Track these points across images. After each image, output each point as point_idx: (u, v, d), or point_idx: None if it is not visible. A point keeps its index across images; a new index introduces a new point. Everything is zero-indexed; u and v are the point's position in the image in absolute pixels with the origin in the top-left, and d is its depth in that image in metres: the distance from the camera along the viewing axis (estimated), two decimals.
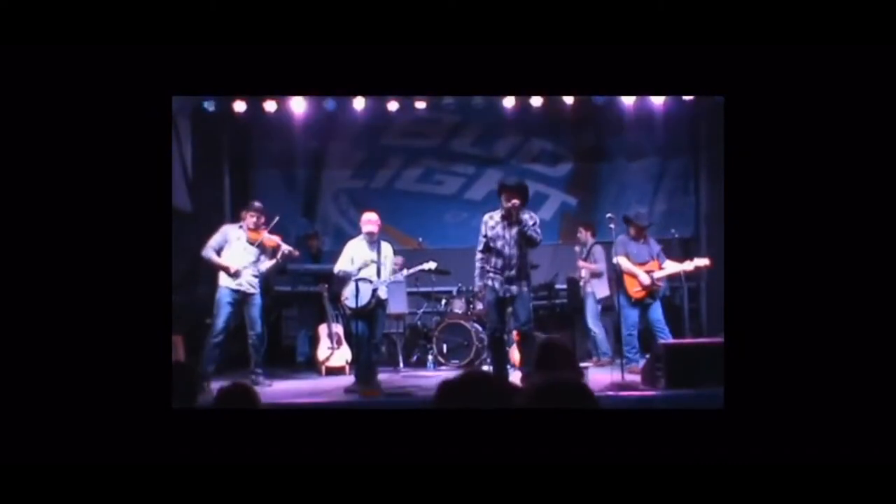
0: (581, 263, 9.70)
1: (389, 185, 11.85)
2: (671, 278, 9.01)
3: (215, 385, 7.83)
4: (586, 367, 8.11)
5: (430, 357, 10.08)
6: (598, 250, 9.68)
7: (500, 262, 7.37)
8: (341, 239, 9.65)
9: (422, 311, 10.68)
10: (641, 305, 8.69)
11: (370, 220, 8.02)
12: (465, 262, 8.29)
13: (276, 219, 8.42)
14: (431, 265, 8.22)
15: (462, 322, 9.94)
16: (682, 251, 10.07)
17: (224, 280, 8.13)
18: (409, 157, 11.84)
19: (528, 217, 7.34)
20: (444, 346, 9.91)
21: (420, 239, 10.54)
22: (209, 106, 10.01)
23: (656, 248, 8.93)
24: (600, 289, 9.67)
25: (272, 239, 8.27)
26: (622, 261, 8.63)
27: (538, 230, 7.38)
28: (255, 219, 8.26)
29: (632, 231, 8.88)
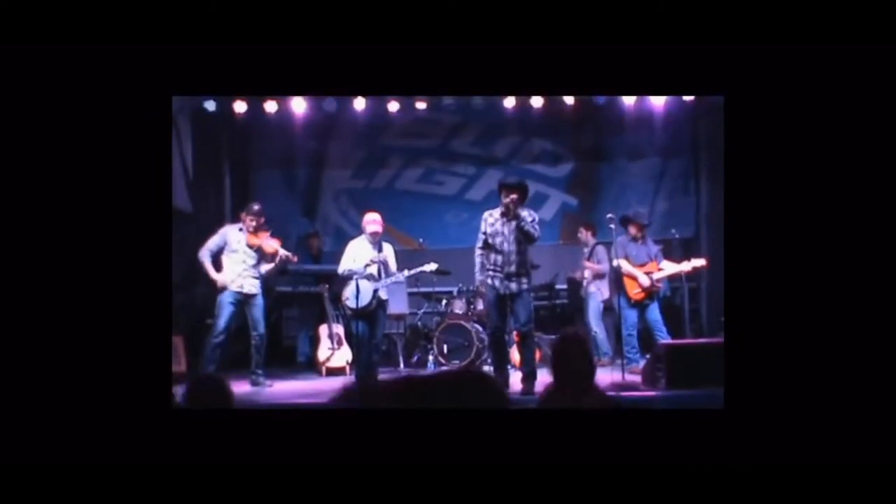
0: (586, 264, 9.70)
1: (390, 185, 11.85)
2: (672, 279, 9.01)
3: None
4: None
5: (430, 357, 10.07)
6: (601, 251, 9.68)
7: (499, 259, 7.39)
8: (342, 239, 9.66)
9: (422, 311, 10.67)
10: (640, 306, 8.70)
11: (374, 221, 8.02)
12: (466, 262, 8.29)
13: (270, 232, 8.41)
14: (432, 266, 8.22)
15: (462, 322, 9.93)
16: (682, 251, 10.07)
17: (225, 282, 8.12)
18: (410, 157, 11.85)
19: (526, 214, 7.37)
20: (445, 347, 9.90)
21: (420, 239, 10.53)
22: (210, 106, 10.02)
23: (654, 248, 8.93)
24: (603, 289, 9.68)
25: (272, 245, 8.26)
26: (623, 263, 8.63)
27: (536, 226, 7.40)
28: (254, 221, 8.24)
29: (632, 231, 8.88)
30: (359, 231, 8.25)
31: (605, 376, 7.95)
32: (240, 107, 10.13)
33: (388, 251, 8.12)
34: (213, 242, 8.20)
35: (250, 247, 8.16)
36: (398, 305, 9.87)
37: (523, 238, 7.36)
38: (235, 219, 8.80)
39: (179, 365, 8.87)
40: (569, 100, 10.18)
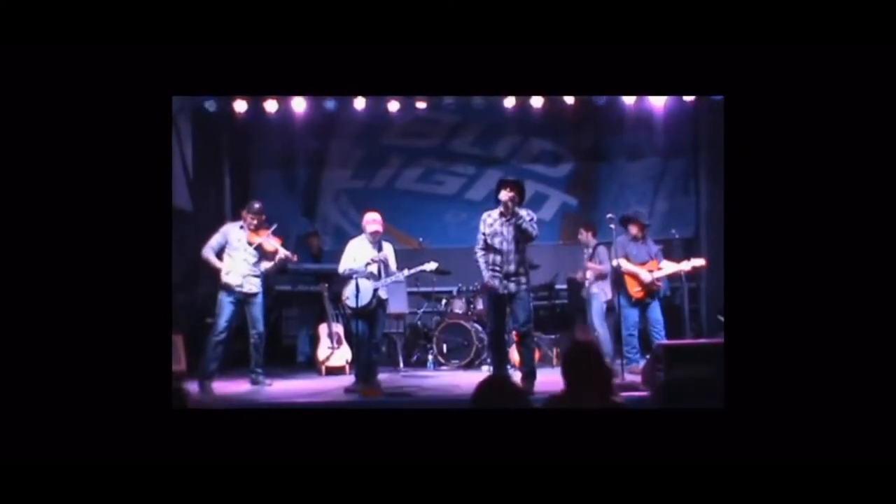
0: (589, 265, 9.69)
1: (389, 184, 11.84)
2: (671, 279, 9.00)
3: (216, 384, 7.94)
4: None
5: (430, 357, 10.08)
6: (603, 251, 9.66)
7: (498, 258, 7.40)
8: (341, 239, 9.65)
9: (422, 310, 10.68)
10: (641, 305, 8.69)
11: (375, 220, 8.00)
12: (466, 262, 8.29)
13: (275, 226, 8.40)
14: (432, 266, 8.21)
15: (462, 322, 9.94)
16: (682, 252, 10.06)
17: (224, 281, 8.12)
18: (410, 156, 11.84)
19: (524, 212, 7.39)
20: (445, 346, 9.91)
21: (420, 239, 10.52)
22: (210, 106, 10.00)
23: (654, 248, 8.92)
24: (606, 290, 9.67)
25: (272, 243, 8.25)
26: (622, 262, 8.63)
27: (534, 225, 7.42)
28: (255, 220, 8.25)
29: (632, 230, 8.86)
30: (359, 231, 8.24)
31: None
32: (240, 106, 10.12)
33: (388, 250, 8.11)
34: (214, 240, 8.20)
35: (250, 244, 8.16)
36: (398, 305, 9.86)
37: (522, 236, 7.37)
38: (235, 218, 8.79)
39: (180, 364, 8.87)
40: (569, 100, 10.16)
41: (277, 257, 8.27)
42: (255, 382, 8.25)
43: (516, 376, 7.69)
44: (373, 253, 7.93)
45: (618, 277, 8.74)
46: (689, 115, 10.92)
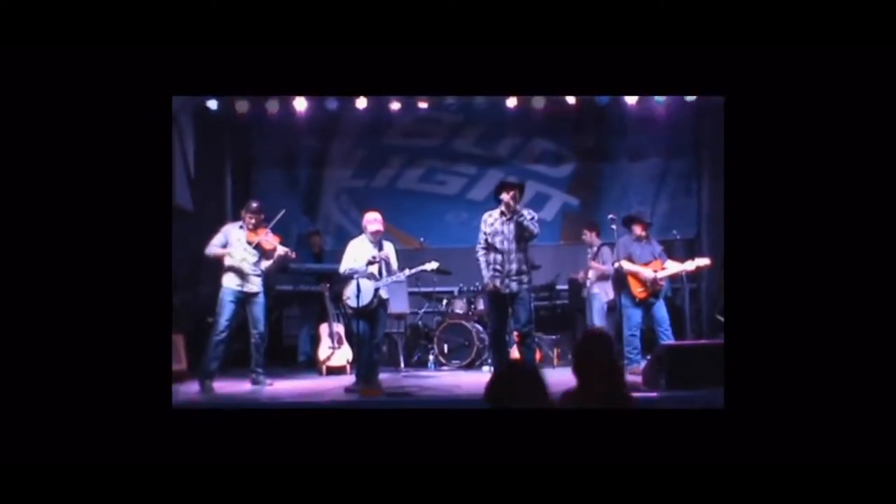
0: (593, 264, 9.69)
1: (391, 184, 11.84)
2: (673, 279, 8.98)
3: (217, 384, 7.94)
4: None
5: (431, 357, 10.08)
6: (606, 252, 9.66)
7: (499, 258, 7.41)
8: (343, 238, 9.64)
9: (423, 311, 10.67)
10: (645, 305, 8.65)
11: (375, 220, 7.99)
12: (467, 262, 8.29)
13: (283, 212, 8.41)
14: (433, 265, 8.21)
15: (463, 322, 9.94)
16: (683, 252, 10.05)
17: (227, 279, 8.13)
18: (411, 156, 11.84)
19: (526, 211, 7.41)
20: (445, 347, 9.91)
21: (422, 239, 10.52)
22: (212, 105, 10.01)
23: (658, 248, 8.88)
24: (607, 291, 9.66)
25: (270, 241, 8.25)
26: (624, 263, 8.61)
27: (536, 223, 7.43)
28: (253, 219, 8.25)
29: (636, 230, 8.82)
30: (360, 230, 8.23)
31: None
32: (242, 106, 10.13)
33: (389, 250, 8.10)
34: (216, 240, 8.20)
35: (250, 243, 8.16)
36: (399, 305, 9.85)
37: (523, 235, 7.38)
38: (237, 217, 8.79)
39: (180, 363, 8.87)
40: (571, 100, 10.17)
41: (276, 254, 8.27)
42: (255, 382, 8.25)
43: None
44: (374, 253, 7.92)
45: (620, 277, 8.73)
46: (690, 115, 10.92)
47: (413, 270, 8.14)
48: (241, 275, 8.11)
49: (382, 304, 7.96)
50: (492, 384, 3.39)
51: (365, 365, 7.92)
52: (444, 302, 10.44)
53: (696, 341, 9.02)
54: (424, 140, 11.76)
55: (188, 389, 7.98)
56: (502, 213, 7.45)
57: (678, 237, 10.03)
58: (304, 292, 10.56)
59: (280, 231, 8.49)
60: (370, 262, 7.86)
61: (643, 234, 8.79)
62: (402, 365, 10.16)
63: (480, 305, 10.04)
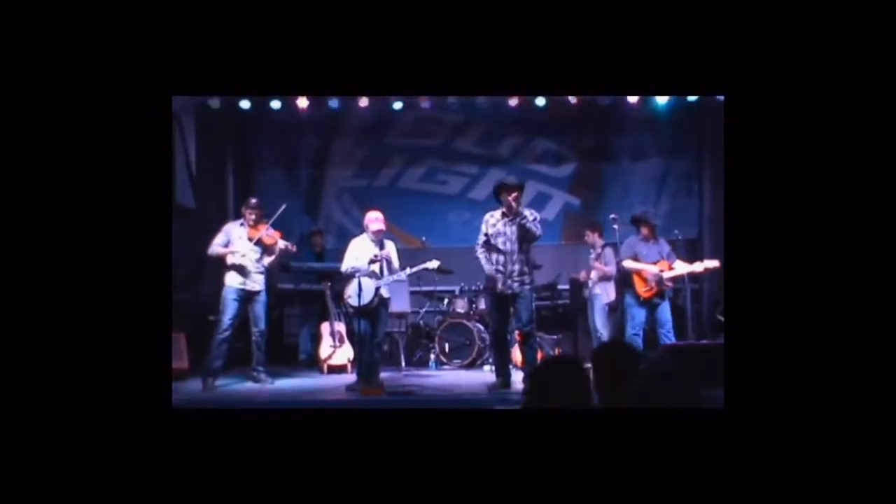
0: (597, 265, 9.69)
1: (392, 183, 11.84)
2: (675, 280, 8.96)
3: (218, 382, 7.95)
4: (588, 368, 8.09)
5: (432, 356, 10.09)
6: (609, 252, 9.66)
7: (501, 259, 7.42)
8: (344, 237, 9.65)
9: (424, 310, 10.68)
10: (650, 305, 8.62)
11: (377, 219, 8.00)
12: (468, 261, 8.29)
13: (283, 206, 8.42)
14: (434, 264, 8.21)
15: (464, 321, 9.94)
16: (685, 253, 10.04)
17: (230, 277, 8.15)
18: (413, 156, 11.84)
19: (528, 212, 7.41)
20: (447, 346, 9.92)
21: (423, 238, 10.53)
22: (213, 103, 10.03)
23: (666, 248, 8.83)
24: (608, 292, 9.66)
25: (270, 235, 8.27)
26: (630, 263, 8.59)
27: (538, 224, 7.44)
28: (252, 214, 8.26)
29: (643, 231, 8.80)
30: (361, 229, 8.24)
31: None
32: (244, 104, 10.15)
33: (391, 249, 8.11)
34: (218, 239, 8.22)
35: (251, 240, 8.17)
36: (400, 304, 9.86)
37: (525, 236, 7.38)
38: (238, 215, 8.80)
39: (182, 361, 8.88)
40: (572, 100, 10.17)
41: (277, 248, 8.28)
42: (256, 380, 8.26)
43: (518, 376, 7.70)
44: (375, 251, 7.93)
45: (625, 277, 8.71)
46: (692, 115, 10.92)
47: (414, 269, 8.15)
48: (244, 273, 8.13)
49: (383, 302, 7.97)
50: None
51: (366, 364, 7.93)
52: (446, 301, 10.45)
53: (697, 341, 9.01)
54: (426, 140, 11.77)
55: (190, 388, 7.99)
56: (504, 214, 7.45)
57: (679, 237, 10.02)
58: (305, 291, 10.56)
59: (282, 229, 8.51)
60: (372, 262, 7.86)
61: (650, 234, 8.76)
62: (404, 364, 10.17)
63: (482, 305, 10.05)
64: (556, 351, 9.98)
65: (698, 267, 8.66)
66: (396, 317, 10.14)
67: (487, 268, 7.50)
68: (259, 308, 8.25)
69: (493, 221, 7.52)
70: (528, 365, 7.51)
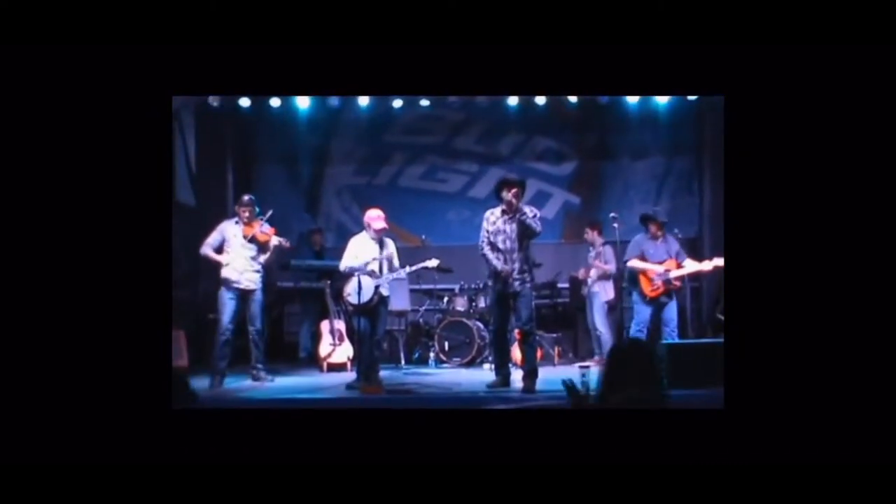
0: (597, 264, 9.68)
1: (393, 182, 11.83)
2: (684, 278, 8.92)
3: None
4: (588, 367, 8.11)
5: (431, 354, 10.09)
6: (609, 251, 9.65)
7: (501, 257, 7.40)
8: (344, 235, 9.64)
9: (424, 308, 10.67)
10: (656, 304, 8.59)
11: (379, 217, 7.99)
12: (468, 259, 8.29)
13: (270, 213, 8.39)
14: (434, 262, 8.20)
15: (464, 320, 9.94)
16: (686, 252, 10.04)
17: (226, 277, 8.13)
18: (413, 154, 11.83)
19: (527, 209, 7.39)
20: (446, 344, 9.91)
21: (423, 236, 10.52)
22: (213, 101, 10.02)
23: (675, 246, 8.78)
24: (607, 290, 9.65)
25: (265, 233, 8.22)
26: (635, 262, 8.56)
27: (538, 221, 7.41)
28: (246, 212, 8.22)
29: (652, 229, 8.76)
30: (361, 227, 8.23)
31: None
32: (244, 102, 10.15)
33: (391, 247, 8.11)
34: (212, 238, 8.19)
35: (245, 237, 8.13)
36: (400, 302, 9.86)
37: (525, 233, 7.37)
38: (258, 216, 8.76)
39: (182, 359, 8.88)
40: (573, 98, 10.16)
41: (272, 245, 8.24)
42: (256, 378, 8.25)
43: (518, 374, 7.70)
44: (375, 250, 7.93)
45: (632, 275, 8.69)
46: (693, 114, 10.92)
47: (414, 267, 8.14)
48: (240, 272, 8.11)
49: (383, 301, 7.97)
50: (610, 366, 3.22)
51: (366, 362, 7.93)
52: (445, 299, 10.44)
53: (697, 340, 9.01)
54: (426, 137, 11.76)
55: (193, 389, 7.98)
56: (504, 212, 7.44)
57: (680, 236, 10.02)
58: (305, 289, 10.56)
59: (281, 227, 8.49)
60: (371, 262, 7.87)
61: (658, 232, 8.71)
62: (403, 362, 10.18)
63: (481, 303, 10.04)
64: (556, 350, 9.98)
65: (707, 265, 8.61)
66: (396, 315, 10.14)
67: (496, 263, 7.47)
68: (255, 307, 8.23)
69: (493, 219, 7.50)
70: (527, 363, 7.50)
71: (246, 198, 8.34)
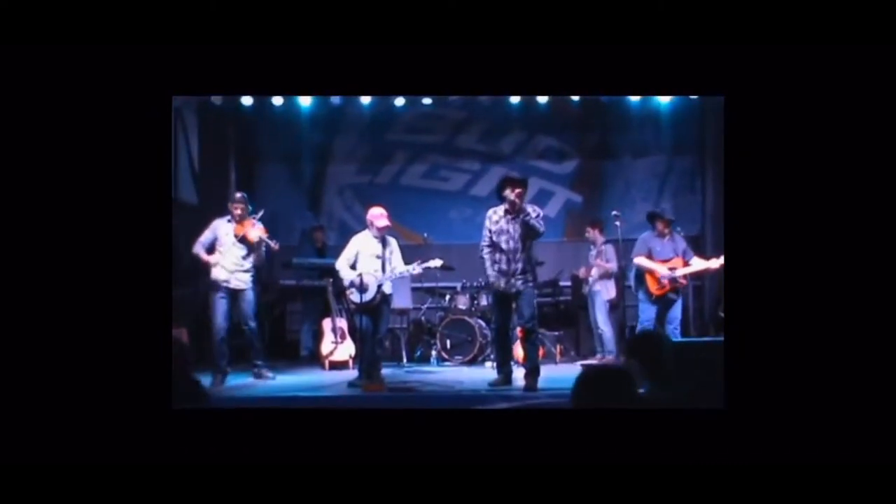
0: (598, 262, 9.68)
1: (395, 180, 11.84)
2: (692, 276, 8.89)
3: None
4: (590, 364, 8.12)
5: (433, 353, 10.09)
6: (610, 250, 9.65)
7: (503, 257, 7.40)
8: (346, 233, 9.64)
9: (426, 306, 10.68)
10: (662, 302, 8.57)
11: (382, 215, 7.98)
12: (470, 258, 8.29)
13: (262, 212, 8.37)
14: (437, 262, 8.20)
15: (466, 318, 9.94)
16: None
17: (215, 276, 8.10)
18: (415, 152, 11.84)
19: (531, 209, 7.38)
20: (448, 342, 9.91)
21: (425, 234, 10.54)
22: (215, 100, 10.03)
23: (682, 244, 8.75)
24: (609, 289, 9.64)
25: (255, 233, 8.13)
26: (641, 260, 8.55)
27: (541, 221, 7.40)
28: (237, 209, 8.17)
29: (659, 227, 8.74)
30: (363, 226, 8.24)
31: None
32: (246, 101, 10.17)
33: (394, 246, 8.11)
34: (204, 237, 8.16)
35: (236, 236, 8.09)
36: (402, 300, 9.87)
37: (528, 233, 7.36)
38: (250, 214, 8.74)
39: (185, 358, 8.88)
40: (574, 97, 10.17)
41: (262, 248, 8.16)
42: (258, 376, 8.25)
43: (520, 372, 7.71)
44: (377, 248, 7.93)
45: (638, 273, 8.68)
46: (695, 112, 10.91)
47: (420, 267, 8.13)
48: (230, 271, 8.08)
49: (385, 299, 7.97)
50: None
51: (368, 360, 7.94)
52: (447, 297, 10.45)
53: (699, 339, 9.00)
54: (428, 136, 11.77)
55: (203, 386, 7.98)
56: (507, 212, 7.42)
57: (682, 234, 10.02)
58: (307, 287, 10.57)
59: (283, 226, 8.49)
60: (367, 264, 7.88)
61: (665, 230, 8.69)
62: (405, 360, 10.18)
63: (483, 301, 10.05)
64: (558, 348, 9.98)
65: (714, 263, 8.57)
66: (398, 313, 10.15)
67: (490, 272, 7.50)
68: (246, 307, 8.16)
69: (496, 218, 7.49)
70: (529, 361, 7.50)
71: (238, 195, 8.30)
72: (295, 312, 11.30)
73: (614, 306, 9.65)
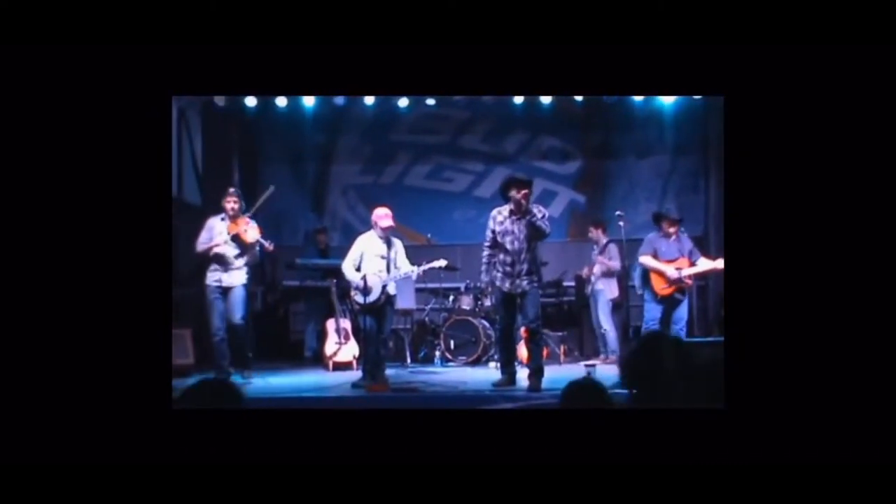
0: (600, 259, 9.67)
1: (398, 181, 11.86)
2: (698, 276, 8.87)
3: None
4: (593, 365, 8.11)
5: (437, 353, 10.10)
6: (613, 249, 9.64)
7: (508, 258, 7.39)
8: (349, 234, 9.67)
9: (429, 307, 10.69)
10: (668, 302, 8.55)
11: (387, 215, 7.98)
12: (474, 258, 8.30)
13: (272, 188, 8.35)
14: (442, 263, 8.20)
15: (470, 318, 9.95)
16: None
17: (209, 275, 8.10)
18: (419, 153, 11.86)
19: (536, 210, 7.36)
20: (452, 343, 9.92)
21: (429, 235, 10.55)
22: (219, 101, 10.05)
23: (688, 244, 8.71)
24: (611, 289, 9.63)
25: (251, 233, 8.09)
26: (647, 260, 8.53)
27: (547, 222, 7.38)
28: (231, 204, 8.15)
29: (665, 227, 8.72)
30: (367, 226, 8.25)
31: (614, 373, 7.93)
32: (249, 101, 10.19)
33: (399, 247, 8.11)
34: (202, 237, 8.16)
35: (229, 234, 8.07)
36: (406, 301, 9.89)
37: (534, 234, 7.35)
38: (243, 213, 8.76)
39: (188, 358, 8.91)
40: (578, 97, 10.17)
41: (256, 249, 8.13)
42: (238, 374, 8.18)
43: (523, 373, 7.71)
44: (382, 248, 7.94)
45: (644, 273, 8.67)
46: (698, 112, 10.91)
47: (425, 267, 8.13)
48: (223, 270, 8.07)
49: (389, 299, 7.98)
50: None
51: (371, 360, 7.94)
52: (451, 298, 10.46)
53: (703, 339, 9.00)
54: (432, 136, 11.79)
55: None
56: (512, 212, 7.40)
57: (685, 234, 10.01)
58: (310, 288, 10.60)
59: (287, 226, 8.49)
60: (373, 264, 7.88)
61: (671, 230, 8.66)
62: (409, 361, 10.20)
63: (487, 302, 10.05)
64: (562, 348, 9.99)
65: (720, 264, 8.53)
66: (402, 314, 10.18)
67: (484, 278, 7.51)
68: (234, 302, 8.04)
69: (500, 218, 7.47)
70: (533, 362, 7.50)
71: (231, 189, 8.29)
72: (298, 313, 11.33)
73: (617, 306, 9.65)
